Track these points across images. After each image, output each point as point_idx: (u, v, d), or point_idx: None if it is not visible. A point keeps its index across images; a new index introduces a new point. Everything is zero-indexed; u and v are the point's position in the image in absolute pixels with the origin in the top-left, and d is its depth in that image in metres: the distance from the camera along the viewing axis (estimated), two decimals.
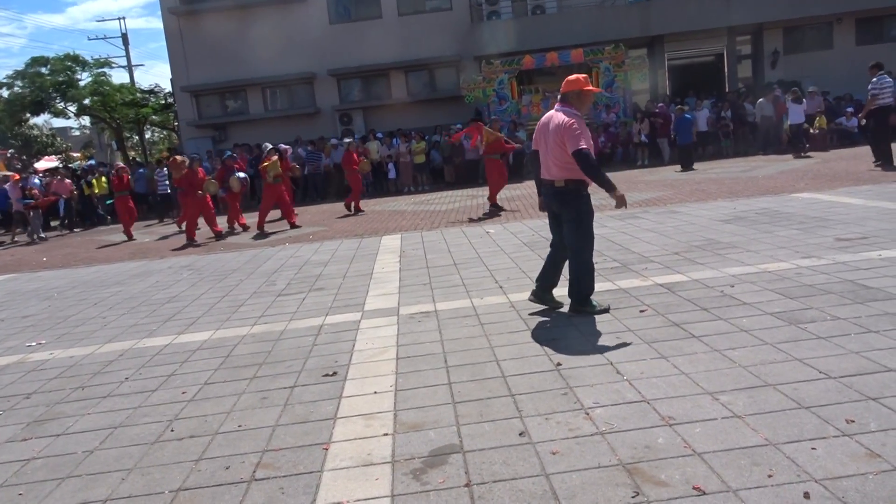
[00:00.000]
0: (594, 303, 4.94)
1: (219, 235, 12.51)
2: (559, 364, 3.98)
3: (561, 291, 5.19)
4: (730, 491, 2.51)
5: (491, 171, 12.08)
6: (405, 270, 7.31)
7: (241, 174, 13.87)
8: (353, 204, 14.18)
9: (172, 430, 3.62)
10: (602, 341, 4.31)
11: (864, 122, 12.55)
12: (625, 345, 4.21)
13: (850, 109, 18.45)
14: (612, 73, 19.82)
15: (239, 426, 3.59)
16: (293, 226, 12.63)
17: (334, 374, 4.23)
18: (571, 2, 23.53)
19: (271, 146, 13.20)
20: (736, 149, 19.11)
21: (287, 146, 16.94)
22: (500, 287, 6.09)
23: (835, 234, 6.75)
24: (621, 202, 4.69)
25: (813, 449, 2.74)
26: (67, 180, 18.34)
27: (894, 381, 3.27)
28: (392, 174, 18.84)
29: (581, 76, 4.81)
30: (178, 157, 13.31)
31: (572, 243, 4.82)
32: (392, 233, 10.49)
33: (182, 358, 4.95)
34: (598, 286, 5.69)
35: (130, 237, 13.94)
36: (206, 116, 24.48)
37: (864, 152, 15.33)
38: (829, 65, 22.29)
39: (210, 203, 12.72)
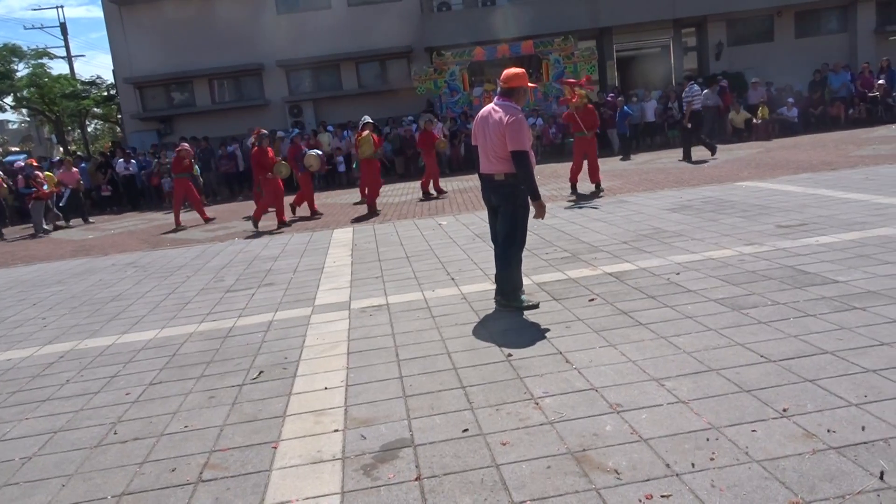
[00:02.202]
0: (522, 297, 4.95)
1: (282, 224, 11.37)
2: (510, 355, 4.01)
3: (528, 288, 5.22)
4: (674, 475, 2.56)
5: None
6: (357, 264, 7.25)
7: (317, 151, 12.65)
8: (306, 203, 13.39)
9: (115, 433, 3.52)
10: (552, 331, 4.35)
11: (688, 125, 14.42)
12: (574, 334, 4.26)
13: (790, 100, 19.02)
14: (561, 65, 20.00)
15: (185, 427, 3.51)
16: (315, 213, 12.11)
17: (260, 373, 4.14)
18: None
19: (368, 119, 12.07)
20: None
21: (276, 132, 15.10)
22: (452, 279, 6.09)
23: (776, 222, 6.95)
24: (541, 213, 4.75)
25: (753, 431, 2.82)
26: (74, 168, 16.85)
27: (830, 364, 3.39)
28: (343, 167, 18.64)
29: (521, 70, 4.77)
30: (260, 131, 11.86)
31: (505, 237, 4.83)
32: (343, 226, 10.40)
33: (126, 358, 4.81)
34: (549, 276, 5.78)
35: (205, 218, 12.92)
36: (150, 109, 23.82)
37: (805, 141, 15.86)
38: (771, 57, 22.90)
39: (281, 186, 11.55)
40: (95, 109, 31.16)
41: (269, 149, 11.27)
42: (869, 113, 18.80)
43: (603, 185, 11.03)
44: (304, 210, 12.57)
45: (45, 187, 14.58)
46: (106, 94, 29.91)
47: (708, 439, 2.79)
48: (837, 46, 23.12)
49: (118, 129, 32.84)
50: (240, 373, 4.24)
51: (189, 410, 3.72)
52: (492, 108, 4.74)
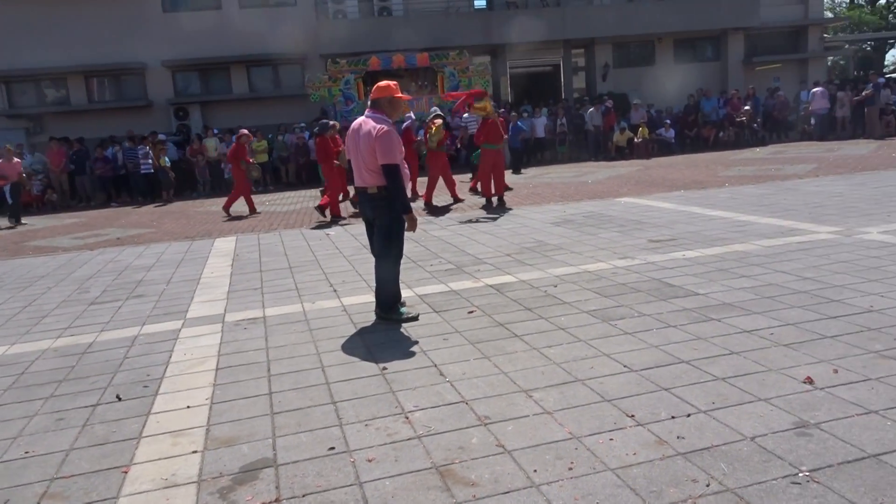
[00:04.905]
0: (402, 310, 4.93)
1: (336, 218, 10.71)
2: (384, 368, 3.96)
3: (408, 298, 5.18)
4: (533, 486, 2.60)
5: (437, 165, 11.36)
6: (236, 274, 7.00)
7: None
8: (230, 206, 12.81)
9: None
10: (429, 344, 4.35)
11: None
12: (450, 346, 4.27)
13: (668, 121, 20.18)
14: (456, 78, 20.26)
15: (25, 453, 3.22)
16: (457, 199, 11.61)
17: (118, 398, 3.84)
18: (418, 6, 23.83)
19: (437, 110, 11.75)
20: (571, 155, 20.24)
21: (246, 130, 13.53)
22: (335, 291, 5.99)
23: (648, 236, 7.31)
24: (412, 226, 4.72)
25: (611, 440, 2.91)
26: (17, 159, 14.51)
27: (685, 373, 3.57)
28: (230, 174, 17.99)
29: (392, 83, 4.76)
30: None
31: (381, 250, 4.80)
32: (226, 235, 10.03)
33: None
34: (431, 288, 5.79)
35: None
36: (18, 106, 22.12)
37: (680, 161, 16.84)
38: (652, 80, 24.23)
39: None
40: None
41: (335, 137, 11.05)
42: (737, 136, 20.24)
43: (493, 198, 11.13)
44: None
45: None
46: None
47: (568, 449, 2.85)
48: (711, 73, 24.78)
49: None
50: (95, 392, 3.96)
51: (32, 434, 3.42)
52: (363, 121, 4.70)
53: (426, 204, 11.29)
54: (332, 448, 3.03)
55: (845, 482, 2.47)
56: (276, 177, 19.22)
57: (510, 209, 10.35)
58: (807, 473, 2.54)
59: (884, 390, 3.19)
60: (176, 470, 2.95)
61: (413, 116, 12.26)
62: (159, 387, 3.97)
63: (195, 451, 3.11)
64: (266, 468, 2.91)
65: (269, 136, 19.17)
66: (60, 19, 21.29)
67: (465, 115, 17.22)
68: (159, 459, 3.06)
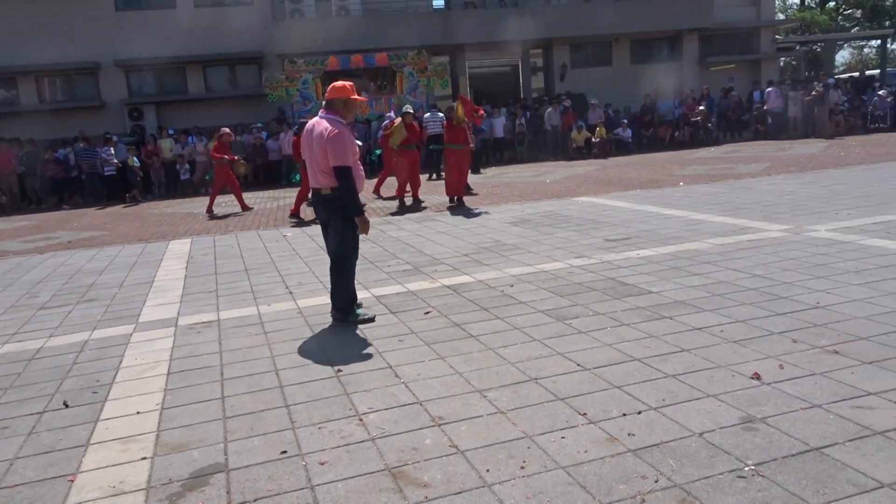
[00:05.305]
0: (358, 311, 4.91)
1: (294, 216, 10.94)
2: (339, 370, 3.94)
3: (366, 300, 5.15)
4: (485, 486, 2.61)
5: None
6: (191, 277, 6.87)
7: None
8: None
9: None
10: (384, 345, 4.34)
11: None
12: (406, 347, 4.27)
13: (625, 121, 20.47)
14: (415, 78, 20.25)
15: None
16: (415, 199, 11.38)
17: (65, 405, 3.73)
18: (376, 5, 23.73)
19: (409, 108, 11.91)
20: (529, 155, 20.39)
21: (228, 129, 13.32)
22: (291, 293, 5.93)
23: (604, 235, 7.40)
24: (364, 228, 4.68)
25: (563, 438, 2.94)
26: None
27: (637, 370, 3.62)
28: (186, 175, 17.69)
29: (348, 84, 4.72)
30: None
31: (335, 251, 4.77)
32: (182, 237, 9.84)
33: None
34: (388, 289, 5.77)
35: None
36: None
37: (637, 160, 17.10)
38: (610, 80, 24.56)
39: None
40: None
41: (412, 124, 11.18)
42: (692, 136, 20.63)
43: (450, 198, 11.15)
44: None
45: None
46: None
47: (521, 448, 2.87)
48: (667, 74, 25.21)
49: None
50: (42, 399, 3.85)
51: None
52: (316, 121, 4.65)
53: (400, 200, 11.30)
54: (285, 452, 3.00)
55: (789, 475, 2.54)
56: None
57: (471, 209, 10.37)
58: (752, 467, 2.60)
59: (827, 385, 3.29)
60: (124, 477, 2.88)
61: (412, 110, 12.17)
62: (109, 393, 3.88)
63: (145, 458, 3.05)
64: (217, 473, 2.86)
65: None
66: (9, 18, 20.67)
67: (427, 114, 17.23)
68: (107, 467, 2.99)
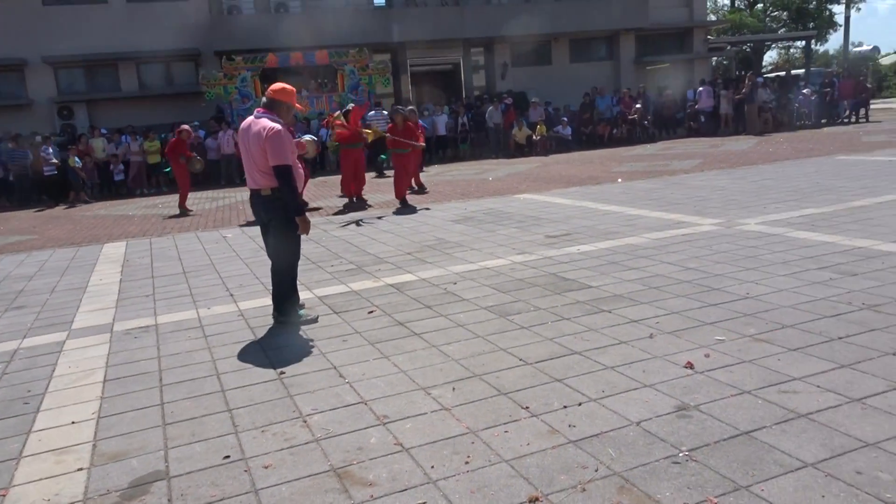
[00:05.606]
0: (301, 312, 4.87)
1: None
2: (282, 372, 3.90)
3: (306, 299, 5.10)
4: (430, 482, 2.63)
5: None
6: (127, 281, 6.68)
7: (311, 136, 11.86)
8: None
9: None
10: (328, 345, 4.31)
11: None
12: (350, 347, 4.26)
13: (565, 119, 20.82)
14: (356, 76, 20.11)
15: None
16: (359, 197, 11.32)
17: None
18: (316, 2, 23.46)
19: (351, 106, 11.70)
20: (472, 153, 20.52)
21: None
22: (231, 295, 5.83)
23: (545, 232, 7.53)
24: (305, 228, 4.64)
25: (506, 432, 2.99)
26: None
27: (577, 363, 3.71)
28: (121, 176, 17.13)
29: (292, 88, 4.69)
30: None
31: (276, 252, 4.73)
32: (117, 240, 9.54)
33: None
34: (331, 289, 5.74)
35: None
36: None
37: (577, 157, 17.41)
38: (550, 79, 24.95)
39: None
40: None
41: (409, 122, 10.95)
42: (629, 133, 21.14)
43: (392, 196, 11.09)
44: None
45: None
46: None
47: (465, 443, 2.91)
48: (605, 72, 25.77)
49: None
50: None
51: None
52: (252, 121, 4.57)
53: (350, 198, 11.23)
54: (228, 456, 2.96)
55: (721, 459, 2.65)
56: (171, 178, 18.39)
57: (415, 207, 10.38)
58: (686, 453, 2.71)
59: (756, 371, 3.44)
60: (60, 489, 2.80)
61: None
62: (42, 403, 3.74)
63: (81, 469, 2.96)
64: (157, 481, 2.81)
65: (162, 135, 18.36)
66: None
67: (372, 112, 17.12)
68: (42, 479, 2.89)
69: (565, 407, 3.19)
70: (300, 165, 4.66)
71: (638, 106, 21.21)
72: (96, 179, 17.18)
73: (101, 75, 21.79)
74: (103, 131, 18.02)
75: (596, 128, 21.26)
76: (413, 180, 12.32)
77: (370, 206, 10.97)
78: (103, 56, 20.92)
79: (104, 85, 21.80)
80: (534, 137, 19.51)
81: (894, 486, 2.39)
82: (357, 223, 9.27)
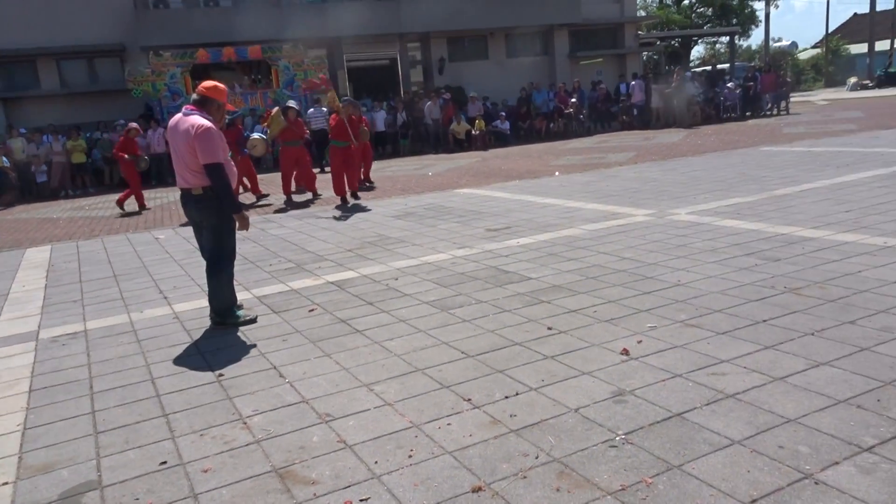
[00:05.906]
0: (239, 313, 4.78)
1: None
2: (221, 375, 3.82)
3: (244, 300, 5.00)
4: (374, 478, 2.63)
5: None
6: (52, 287, 6.41)
7: (261, 133, 11.78)
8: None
9: None
10: (267, 346, 4.25)
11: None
12: (291, 347, 4.20)
13: (503, 113, 21.02)
14: (292, 72, 19.81)
15: None
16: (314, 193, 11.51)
17: None
18: None
19: (294, 103, 11.65)
20: (412, 148, 20.49)
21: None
22: (165, 298, 5.67)
23: (486, 225, 7.59)
24: (244, 225, 4.59)
25: (449, 424, 3.01)
26: None
27: (518, 354, 3.76)
28: (43, 177, 16.39)
29: (223, 86, 4.60)
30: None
31: (211, 252, 4.63)
32: (40, 244, 9.13)
33: None
34: (270, 288, 5.65)
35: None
36: None
37: (515, 151, 17.61)
38: (487, 73, 25.12)
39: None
40: None
41: (298, 120, 11.11)
42: (565, 127, 21.50)
43: (332, 193, 10.88)
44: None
45: None
46: None
47: (408, 438, 2.92)
48: (540, 67, 26.11)
49: None
50: None
51: None
52: (180, 118, 4.44)
53: (288, 196, 11.09)
54: (164, 462, 2.89)
55: (655, 440, 2.74)
56: (98, 179, 17.75)
57: (356, 203, 10.29)
58: (623, 436, 2.78)
59: (687, 356, 3.56)
60: None
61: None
62: None
63: (6, 483, 2.84)
64: (90, 491, 2.71)
65: (88, 134, 17.69)
66: None
67: (311, 110, 16.88)
68: None
69: (507, 397, 3.23)
70: (231, 163, 4.56)
71: (573, 100, 21.59)
72: (17, 183, 16.39)
73: (17, 72, 20.77)
74: (22, 131, 17.21)
75: (533, 122, 21.55)
76: (363, 175, 12.23)
77: (315, 202, 10.80)
78: (20, 51, 19.95)
79: (22, 82, 20.79)
80: (473, 132, 19.62)
81: (813, 457, 2.52)
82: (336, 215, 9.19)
